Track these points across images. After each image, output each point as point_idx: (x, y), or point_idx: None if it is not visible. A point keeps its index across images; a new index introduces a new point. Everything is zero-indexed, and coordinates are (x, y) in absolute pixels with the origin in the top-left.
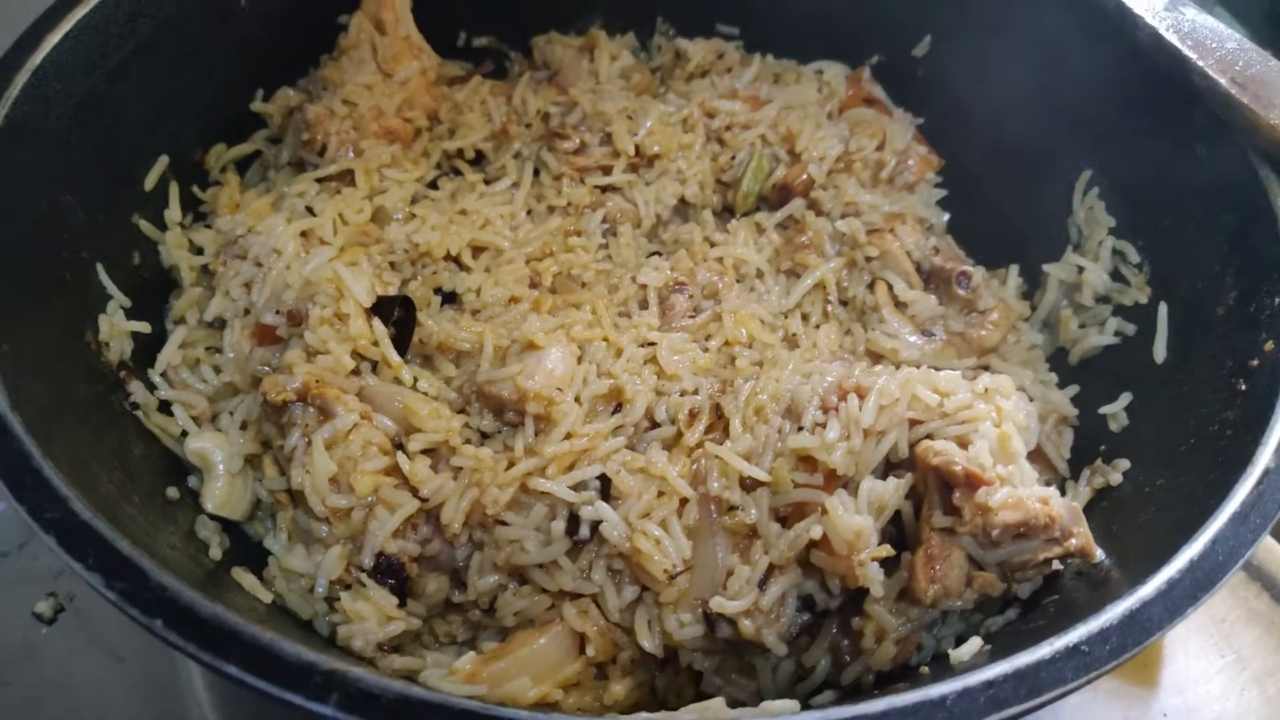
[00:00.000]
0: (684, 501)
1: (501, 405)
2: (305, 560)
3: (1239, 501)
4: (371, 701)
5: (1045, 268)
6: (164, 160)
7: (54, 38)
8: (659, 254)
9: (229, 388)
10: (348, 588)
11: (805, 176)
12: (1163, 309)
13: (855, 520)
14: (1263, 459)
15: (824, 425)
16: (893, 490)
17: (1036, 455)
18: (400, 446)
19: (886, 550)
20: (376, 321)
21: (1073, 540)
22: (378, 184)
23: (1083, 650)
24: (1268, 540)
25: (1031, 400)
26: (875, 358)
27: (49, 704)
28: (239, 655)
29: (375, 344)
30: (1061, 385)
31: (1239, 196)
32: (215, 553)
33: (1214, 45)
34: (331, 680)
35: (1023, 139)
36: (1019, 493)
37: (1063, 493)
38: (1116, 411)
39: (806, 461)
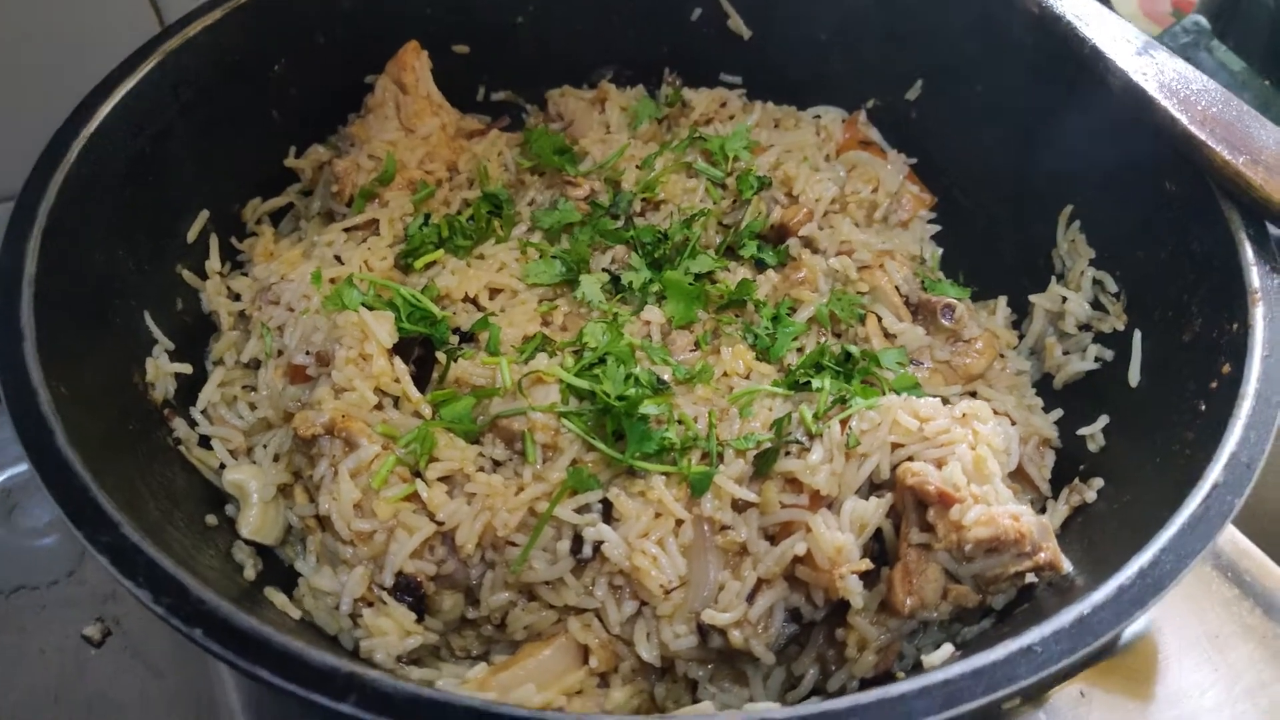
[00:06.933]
0: (679, 522)
1: (513, 436)
2: (332, 580)
3: (1188, 514)
4: (386, 700)
5: (1031, 298)
6: (205, 214)
7: (106, 106)
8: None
9: (263, 423)
10: (370, 605)
11: (801, 217)
12: (1137, 336)
13: (837, 537)
14: (1212, 474)
15: (809, 449)
16: (873, 509)
17: (1020, 476)
18: (419, 474)
19: (865, 564)
20: (398, 360)
21: (1042, 554)
22: (400, 232)
23: (1035, 650)
24: (1261, 557)
25: (1014, 424)
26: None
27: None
28: (270, 661)
29: (397, 381)
30: (1048, 409)
31: (1203, 229)
32: (249, 574)
33: (1179, 87)
34: (351, 682)
35: (1009, 176)
36: (991, 510)
37: (1043, 511)
38: (1095, 433)
39: (793, 483)
